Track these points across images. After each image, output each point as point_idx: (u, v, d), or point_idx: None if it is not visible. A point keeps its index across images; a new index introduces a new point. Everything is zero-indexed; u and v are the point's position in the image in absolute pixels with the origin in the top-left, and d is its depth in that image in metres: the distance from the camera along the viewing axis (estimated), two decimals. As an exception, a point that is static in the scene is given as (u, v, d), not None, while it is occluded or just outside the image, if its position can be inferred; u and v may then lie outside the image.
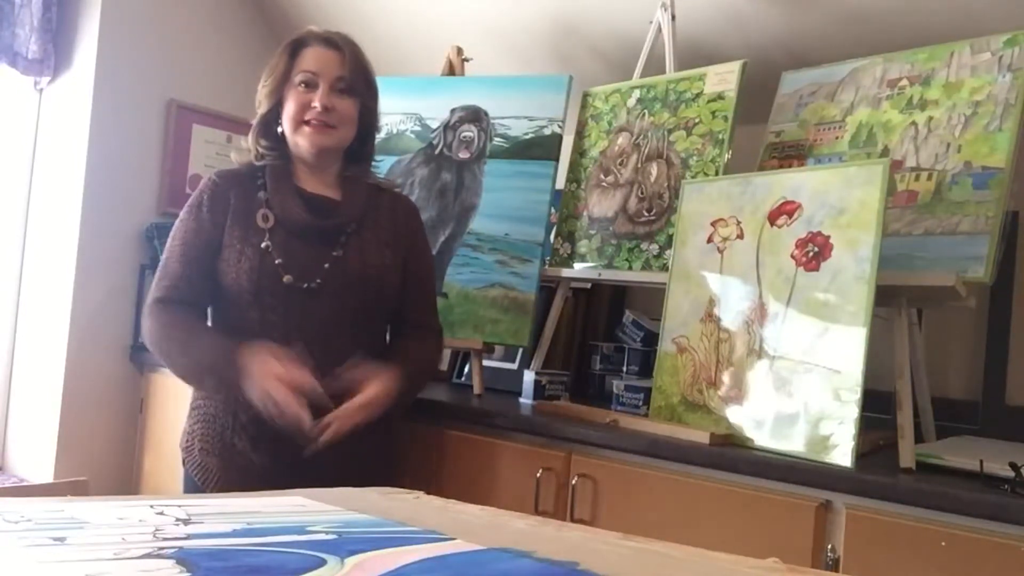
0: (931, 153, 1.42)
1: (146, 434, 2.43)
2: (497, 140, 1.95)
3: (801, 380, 1.27)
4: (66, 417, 2.35)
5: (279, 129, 1.48)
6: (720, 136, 1.66)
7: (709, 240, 1.48)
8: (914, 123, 1.46)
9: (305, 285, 1.40)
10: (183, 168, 2.60)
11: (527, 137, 1.92)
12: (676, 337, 1.49)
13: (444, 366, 2.13)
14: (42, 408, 2.39)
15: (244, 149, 1.53)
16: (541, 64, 2.30)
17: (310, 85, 1.44)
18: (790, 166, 1.60)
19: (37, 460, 2.38)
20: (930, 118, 1.45)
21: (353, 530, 0.62)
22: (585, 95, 1.96)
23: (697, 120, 1.71)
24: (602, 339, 2.05)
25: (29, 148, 2.52)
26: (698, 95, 1.73)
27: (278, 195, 1.45)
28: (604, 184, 1.85)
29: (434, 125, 2.02)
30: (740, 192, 1.45)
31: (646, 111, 1.82)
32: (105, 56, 2.40)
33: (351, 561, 0.51)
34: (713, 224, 1.48)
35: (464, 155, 1.97)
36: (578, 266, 1.85)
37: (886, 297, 1.31)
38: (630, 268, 1.74)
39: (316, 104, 1.42)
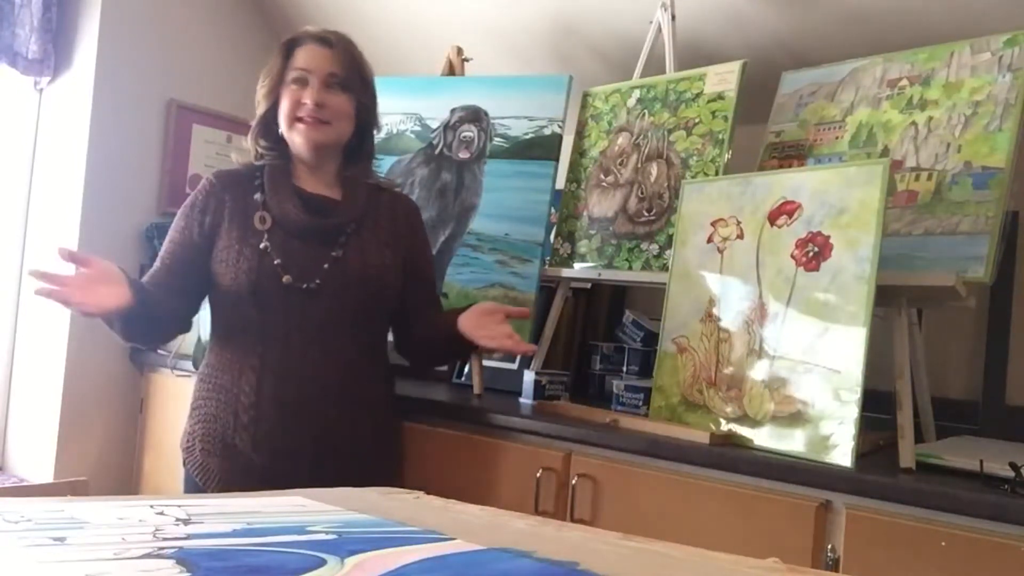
0: (931, 153, 1.42)
1: (146, 434, 2.43)
2: (497, 140, 1.95)
3: (801, 380, 1.27)
4: (66, 417, 2.35)
5: (279, 130, 1.48)
6: (720, 136, 1.66)
7: (709, 240, 1.48)
8: (914, 123, 1.46)
9: (304, 285, 1.40)
10: (183, 168, 2.60)
11: (527, 137, 1.92)
12: (676, 337, 1.49)
13: (444, 366, 2.13)
14: (42, 408, 2.38)
15: (245, 150, 1.53)
16: (541, 64, 2.30)
17: (303, 82, 1.44)
18: (790, 166, 1.60)
19: (37, 460, 2.38)
20: (930, 118, 1.45)
21: (353, 530, 0.62)
22: (585, 95, 1.96)
23: (697, 120, 1.71)
24: (602, 339, 2.05)
25: (29, 148, 2.52)
26: (698, 95, 1.73)
27: (276, 196, 1.45)
28: (604, 184, 1.85)
29: (434, 125, 2.02)
30: (740, 192, 1.45)
31: (646, 111, 1.82)
32: (105, 56, 2.40)
33: (351, 561, 0.51)
34: (713, 224, 1.48)
35: (464, 155, 1.97)
36: (578, 266, 1.85)
37: (886, 297, 1.31)
38: (630, 268, 1.74)
39: (307, 100, 1.42)
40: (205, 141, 2.65)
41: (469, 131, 1.98)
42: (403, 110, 2.06)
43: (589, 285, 2.10)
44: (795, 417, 1.27)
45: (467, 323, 1.48)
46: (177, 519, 0.62)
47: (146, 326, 1.39)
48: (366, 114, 1.52)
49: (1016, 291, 1.67)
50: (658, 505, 1.34)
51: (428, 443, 1.64)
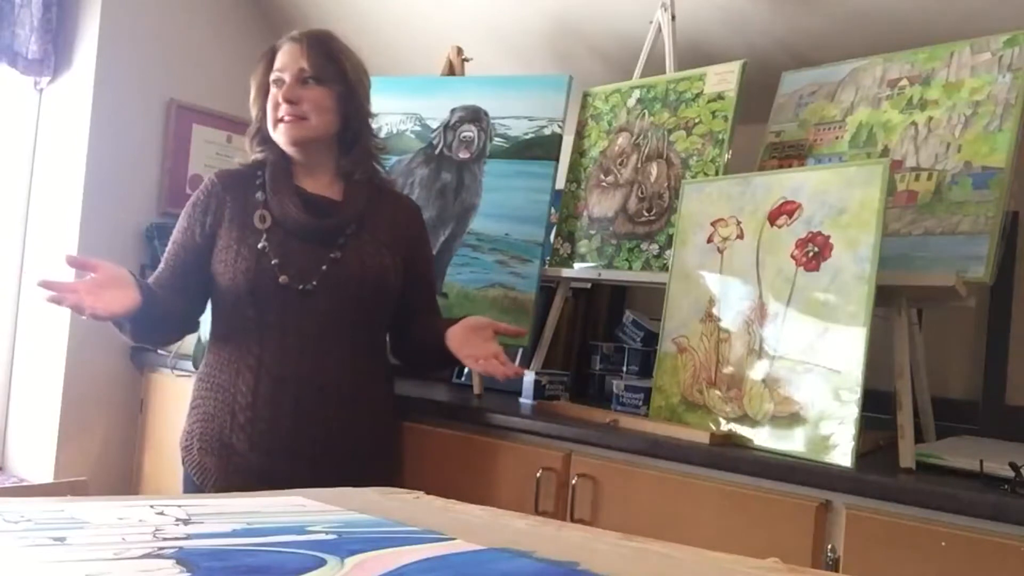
0: (931, 153, 1.42)
1: (146, 434, 2.42)
2: (497, 140, 1.95)
3: (801, 380, 1.27)
4: (66, 417, 2.35)
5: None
6: (720, 136, 1.66)
7: (709, 240, 1.48)
8: (914, 123, 1.46)
9: (301, 286, 1.40)
10: (183, 168, 2.60)
11: (527, 137, 1.92)
12: (676, 337, 1.49)
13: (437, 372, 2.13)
14: (42, 408, 2.38)
15: (246, 152, 1.54)
16: (541, 64, 2.30)
17: (280, 83, 1.45)
18: (790, 166, 1.60)
19: (37, 460, 2.38)
20: (930, 118, 1.45)
21: (353, 530, 0.62)
22: (585, 95, 1.96)
23: (697, 120, 1.71)
24: (602, 339, 2.05)
25: (29, 148, 2.51)
26: (698, 95, 1.73)
27: (276, 195, 1.45)
28: (604, 184, 1.85)
29: (434, 125, 2.02)
30: (740, 192, 1.45)
31: (646, 111, 1.82)
32: (105, 56, 2.40)
33: (351, 561, 0.51)
34: (713, 224, 1.48)
35: (464, 155, 1.97)
36: (578, 266, 1.85)
37: (886, 297, 1.31)
38: (630, 268, 1.74)
39: (280, 99, 1.43)
40: (205, 141, 2.65)
41: (469, 131, 1.98)
42: (403, 110, 2.06)
43: (589, 285, 2.10)
44: (795, 417, 1.27)
45: (454, 339, 1.45)
46: (177, 519, 0.62)
47: (155, 327, 1.41)
48: (348, 103, 1.49)
49: (1016, 291, 1.67)
50: (658, 505, 1.34)
51: (428, 443, 1.64)
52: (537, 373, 1.73)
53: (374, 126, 1.59)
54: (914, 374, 1.42)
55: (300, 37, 1.47)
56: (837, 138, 1.57)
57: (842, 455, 1.19)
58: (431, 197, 1.96)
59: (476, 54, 2.17)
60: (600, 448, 1.43)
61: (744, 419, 1.34)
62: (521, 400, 1.73)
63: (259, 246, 1.41)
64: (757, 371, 1.34)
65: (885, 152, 1.48)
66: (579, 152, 1.94)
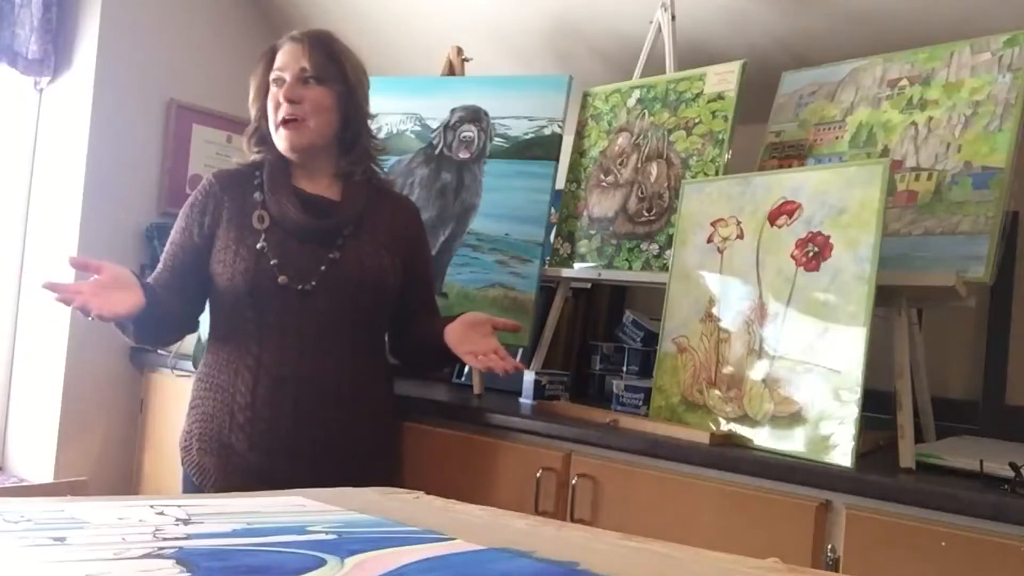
0: (931, 153, 1.42)
1: (146, 434, 2.43)
2: (497, 140, 1.95)
3: (801, 380, 1.27)
4: (66, 417, 2.35)
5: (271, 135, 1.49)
6: (720, 136, 1.66)
7: (709, 240, 1.48)
8: (914, 123, 1.46)
9: (300, 287, 1.40)
10: (183, 168, 2.60)
11: (527, 137, 1.92)
12: (676, 337, 1.49)
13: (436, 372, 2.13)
14: (42, 408, 2.38)
15: (245, 152, 1.54)
16: (541, 64, 2.30)
17: (280, 83, 1.45)
18: (790, 166, 1.60)
19: (37, 460, 2.38)
20: (930, 118, 1.45)
21: (353, 530, 0.62)
22: (585, 95, 1.96)
23: (697, 120, 1.71)
24: (602, 339, 2.05)
25: (29, 148, 2.51)
26: (698, 95, 1.73)
27: (275, 195, 1.45)
28: (604, 184, 1.85)
29: (434, 125, 2.02)
30: (740, 192, 1.45)
31: (646, 111, 1.82)
32: (105, 56, 2.40)
33: (351, 561, 0.51)
34: (713, 224, 1.48)
35: (464, 155, 1.97)
36: (578, 266, 1.85)
37: (886, 297, 1.31)
38: (630, 268, 1.74)
39: (281, 99, 1.43)
40: (205, 141, 2.65)
41: (469, 131, 1.98)
42: (403, 110, 2.06)
43: (589, 285, 2.10)
44: (795, 417, 1.27)
45: (452, 335, 1.45)
46: (177, 519, 0.62)
47: (157, 327, 1.41)
48: (348, 103, 1.49)
49: (1016, 291, 1.67)
50: (658, 505, 1.34)
51: (428, 443, 1.64)
52: (537, 373, 1.73)
53: (373, 127, 1.59)
54: (914, 374, 1.42)
55: (301, 37, 1.47)
56: (837, 138, 1.57)
57: (842, 455, 1.19)
58: (431, 197, 1.96)
59: (476, 54, 2.17)
60: (600, 448, 1.43)
61: (744, 419, 1.34)
62: (521, 400, 1.73)
63: (258, 246, 1.41)
64: (757, 371, 1.34)
65: (885, 152, 1.48)
66: (579, 152, 1.94)
